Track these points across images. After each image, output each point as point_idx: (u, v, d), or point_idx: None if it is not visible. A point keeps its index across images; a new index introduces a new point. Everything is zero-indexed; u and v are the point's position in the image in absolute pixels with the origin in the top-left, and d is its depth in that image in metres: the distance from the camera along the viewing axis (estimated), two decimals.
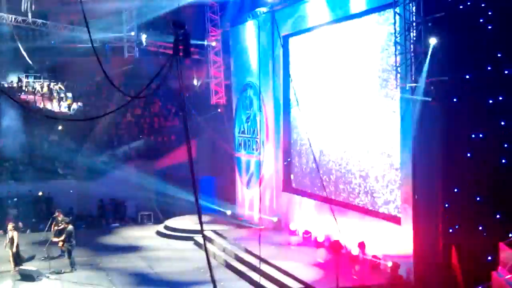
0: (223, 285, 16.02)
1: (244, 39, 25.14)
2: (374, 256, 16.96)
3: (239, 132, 25.82)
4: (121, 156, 28.81)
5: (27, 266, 18.26)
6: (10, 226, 18.47)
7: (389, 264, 16.10)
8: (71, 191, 26.89)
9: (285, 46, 22.40)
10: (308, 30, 21.26)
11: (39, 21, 28.23)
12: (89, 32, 11.42)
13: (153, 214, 27.03)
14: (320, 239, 19.64)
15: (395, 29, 15.60)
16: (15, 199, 26.11)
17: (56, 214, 20.23)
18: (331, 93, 20.21)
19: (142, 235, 24.13)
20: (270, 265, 17.75)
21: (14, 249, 18.27)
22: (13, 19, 27.30)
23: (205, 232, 20.85)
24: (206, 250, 11.22)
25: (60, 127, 28.92)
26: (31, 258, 19.36)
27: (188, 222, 24.10)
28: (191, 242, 22.58)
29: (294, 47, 22.56)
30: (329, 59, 20.23)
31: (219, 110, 27.46)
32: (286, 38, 22.48)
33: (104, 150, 28.79)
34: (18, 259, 18.35)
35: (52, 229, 19.87)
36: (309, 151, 20.14)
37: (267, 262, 17.91)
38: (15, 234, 18.33)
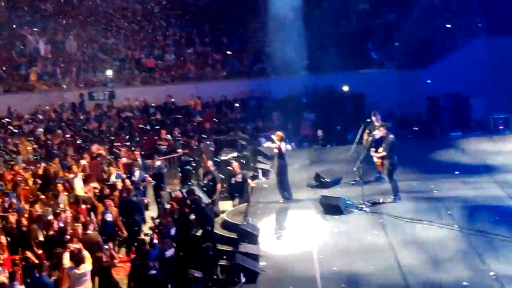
0: None
1: None
2: None
3: None
4: (468, 27, 25.88)
5: (330, 193, 17.18)
6: (277, 135, 17.23)
7: None
8: (389, 84, 24.64)
9: None
10: None
11: None
12: None
13: None
14: None
15: None
16: (311, 97, 25.51)
17: (372, 117, 18.45)
18: None
19: (498, 148, 21.08)
20: None
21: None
22: None
23: None
24: None
25: None
26: (337, 181, 18.28)
27: None
28: None
29: None
30: None
31: None
32: None
33: (442, 21, 25.63)
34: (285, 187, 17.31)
35: (364, 140, 18.21)
36: None
37: None
38: (283, 145, 17.25)
